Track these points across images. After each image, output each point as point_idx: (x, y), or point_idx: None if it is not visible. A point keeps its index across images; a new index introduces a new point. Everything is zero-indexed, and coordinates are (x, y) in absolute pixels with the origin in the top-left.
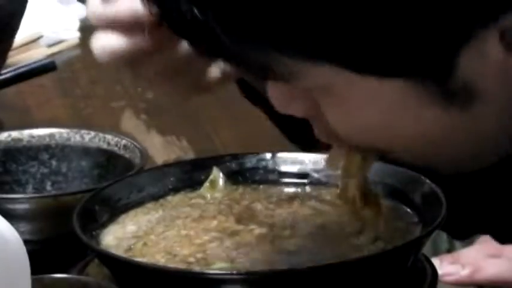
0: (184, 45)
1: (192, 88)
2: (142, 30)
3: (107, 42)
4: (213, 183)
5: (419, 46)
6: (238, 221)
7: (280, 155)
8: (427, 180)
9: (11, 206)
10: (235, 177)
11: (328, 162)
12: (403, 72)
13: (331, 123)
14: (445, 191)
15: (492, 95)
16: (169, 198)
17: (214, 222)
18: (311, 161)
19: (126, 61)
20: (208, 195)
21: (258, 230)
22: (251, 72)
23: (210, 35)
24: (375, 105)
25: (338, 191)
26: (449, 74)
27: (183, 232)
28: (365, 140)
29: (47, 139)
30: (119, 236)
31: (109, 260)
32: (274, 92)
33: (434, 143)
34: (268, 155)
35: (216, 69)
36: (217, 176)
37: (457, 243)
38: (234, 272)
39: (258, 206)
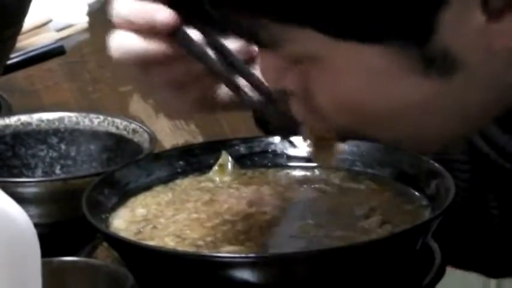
0: (196, 64)
1: (197, 105)
2: (160, 37)
3: (124, 40)
4: (222, 167)
5: (398, 7)
6: (250, 204)
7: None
8: (436, 164)
9: (20, 190)
10: (244, 161)
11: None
12: (383, 36)
13: (317, 97)
14: (476, 229)
15: (474, 65)
16: (179, 181)
17: (226, 206)
18: None
19: (140, 62)
20: (217, 179)
21: (270, 213)
22: (241, 37)
23: (199, 1)
24: (358, 72)
25: None
26: (428, 37)
27: (194, 215)
28: (348, 116)
29: (56, 123)
30: (128, 219)
31: (118, 243)
32: (265, 65)
33: (417, 114)
34: (277, 139)
35: (225, 93)
36: (226, 159)
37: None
38: (242, 255)
39: (267, 190)
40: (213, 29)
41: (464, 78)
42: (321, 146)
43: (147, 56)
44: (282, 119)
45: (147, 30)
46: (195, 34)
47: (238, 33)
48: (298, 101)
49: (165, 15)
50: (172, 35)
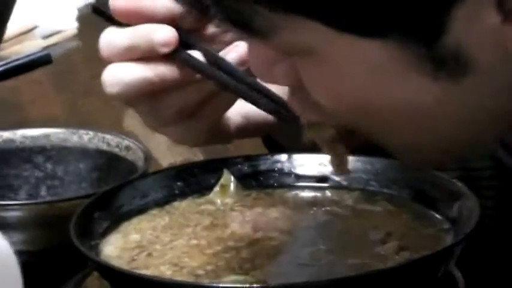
0: (206, 84)
1: (206, 134)
2: (161, 60)
3: (122, 71)
4: (224, 188)
5: (407, 1)
6: (256, 229)
7: (297, 156)
8: (458, 183)
9: (2, 214)
10: (248, 181)
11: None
12: (388, 31)
13: (312, 92)
14: (504, 254)
15: (486, 68)
16: (176, 204)
17: (228, 231)
18: None
19: (145, 94)
20: (219, 201)
21: (277, 239)
22: (232, 26)
23: None
24: (357, 69)
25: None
26: (438, 36)
27: (193, 242)
28: (346, 112)
29: (42, 140)
30: (120, 246)
31: (110, 272)
32: (254, 56)
33: (422, 118)
34: (284, 157)
35: (234, 120)
36: (228, 179)
37: None
38: (247, 285)
39: (274, 213)
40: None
41: (475, 82)
42: (331, 148)
43: (152, 84)
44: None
45: (147, 54)
46: (195, 54)
47: (230, 20)
48: (294, 96)
49: (163, 34)
50: (172, 56)
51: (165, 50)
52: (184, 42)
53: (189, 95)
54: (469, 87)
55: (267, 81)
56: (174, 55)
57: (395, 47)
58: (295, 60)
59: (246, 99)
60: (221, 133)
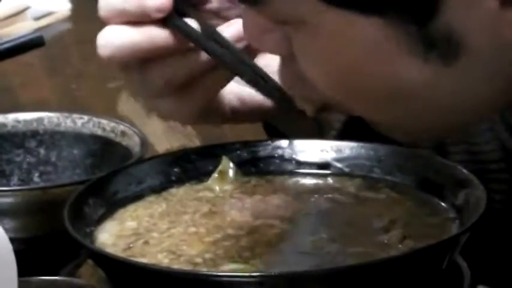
0: (200, 56)
1: (197, 112)
2: (155, 26)
3: (115, 34)
4: (222, 174)
5: None
6: (256, 216)
7: (297, 142)
8: (465, 170)
9: None
10: (247, 167)
11: None
12: (380, 7)
13: (302, 65)
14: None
15: (479, 53)
16: (173, 190)
17: (228, 218)
18: (333, 148)
19: (135, 59)
20: (217, 188)
21: (278, 227)
22: None
23: None
24: (348, 45)
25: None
26: (430, 16)
27: (192, 229)
28: (335, 88)
29: (34, 124)
30: (115, 234)
31: (104, 260)
32: (248, 23)
33: (411, 100)
34: (285, 143)
35: (229, 101)
36: (227, 166)
37: None
38: (246, 274)
39: (274, 200)
40: None
41: (467, 65)
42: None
43: (143, 49)
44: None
45: (140, 18)
46: (191, 23)
47: None
48: (284, 67)
49: None
50: (166, 23)
51: (158, 15)
52: (181, 11)
53: (181, 65)
54: (461, 71)
55: (259, 47)
56: (169, 22)
57: (388, 25)
58: (289, 31)
59: (239, 75)
60: (214, 113)
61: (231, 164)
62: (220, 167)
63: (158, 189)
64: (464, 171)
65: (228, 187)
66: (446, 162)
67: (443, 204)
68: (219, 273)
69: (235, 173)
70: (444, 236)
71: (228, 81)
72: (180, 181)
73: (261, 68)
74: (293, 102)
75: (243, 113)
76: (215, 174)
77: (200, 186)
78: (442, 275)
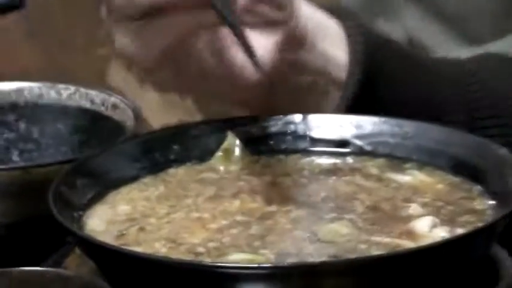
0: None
1: (201, 77)
2: None
3: None
4: (228, 153)
5: None
6: (268, 200)
7: (312, 117)
8: (505, 150)
9: None
10: (256, 145)
11: None
12: None
13: None
14: None
15: None
16: (172, 171)
17: (237, 203)
18: (353, 124)
19: (139, 13)
20: (222, 168)
21: (293, 212)
22: None
23: None
24: None
25: None
26: None
27: (194, 215)
28: None
29: (13, 96)
30: (107, 219)
31: (94, 249)
32: None
33: None
34: (298, 117)
35: (248, 69)
36: (233, 143)
37: None
38: (254, 265)
39: (286, 182)
40: None
41: None
42: None
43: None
44: None
45: None
46: None
47: None
48: None
49: None
50: None
51: None
52: None
53: (188, 22)
54: None
55: None
56: None
57: None
58: None
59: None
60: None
61: (237, 141)
62: (225, 145)
63: (155, 170)
64: (503, 150)
65: (234, 167)
66: (482, 140)
67: (479, 187)
68: (224, 264)
69: (242, 152)
70: (479, 223)
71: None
72: (179, 160)
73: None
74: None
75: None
76: (219, 153)
77: (202, 167)
78: (478, 266)
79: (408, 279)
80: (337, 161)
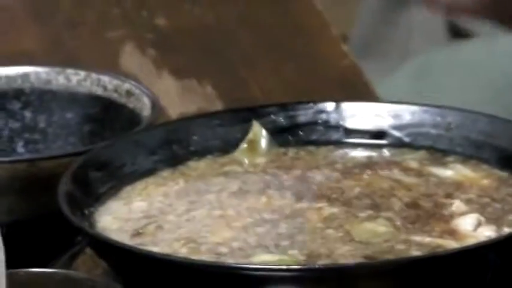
0: None
1: None
2: None
3: None
4: (253, 144)
5: None
6: (298, 197)
7: (346, 105)
8: None
9: None
10: (284, 135)
11: None
12: None
13: None
14: None
15: None
16: (192, 164)
17: (263, 199)
18: (390, 113)
19: None
20: (247, 161)
21: (328, 210)
22: None
23: None
24: None
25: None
26: None
27: (217, 212)
28: None
29: (19, 81)
30: (121, 216)
31: (107, 248)
32: None
33: None
34: (330, 106)
35: None
36: (259, 133)
37: None
38: (283, 267)
39: (317, 177)
40: None
41: None
42: None
43: None
44: None
45: None
46: None
47: None
48: None
49: None
50: None
51: None
52: None
53: None
54: None
55: None
56: None
57: None
58: None
59: None
60: None
61: (264, 132)
62: (250, 135)
63: (173, 162)
64: None
65: (260, 160)
66: None
67: None
68: (249, 266)
69: (269, 143)
70: None
71: None
72: (200, 152)
73: None
74: None
75: None
76: (244, 144)
77: (226, 159)
78: None
79: (450, 283)
80: (373, 153)
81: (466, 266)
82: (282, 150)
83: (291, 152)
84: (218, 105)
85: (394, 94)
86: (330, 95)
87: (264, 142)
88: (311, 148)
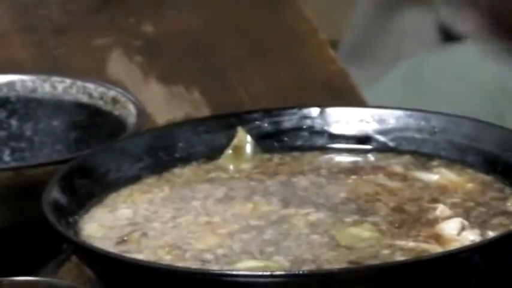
0: None
1: None
2: None
3: None
4: (238, 150)
5: None
6: (284, 203)
7: (331, 110)
8: None
9: None
10: (269, 141)
11: None
12: None
13: None
14: None
15: None
16: (178, 171)
17: (249, 205)
18: (374, 118)
19: None
20: (232, 167)
21: (314, 216)
22: None
23: None
24: None
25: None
26: None
27: (203, 219)
28: None
29: (4, 90)
30: (106, 224)
31: (92, 256)
32: None
33: None
34: (315, 111)
35: None
36: (244, 140)
37: None
38: (267, 273)
39: (302, 182)
40: None
41: None
42: None
43: None
44: None
45: None
46: None
47: None
48: None
49: None
50: None
51: None
52: None
53: None
54: None
55: None
56: None
57: None
58: None
59: None
60: None
61: (249, 138)
62: (235, 141)
63: (159, 169)
64: None
65: (245, 166)
66: None
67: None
68: (232, 273)
69: (254, 149)
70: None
71: None
72: (185, 159)
73: None
74: None
75: None
76: (229, 150)
77: (211, 165)
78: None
79: (435, 287)
80: (358, 158)
81: (450, 271)
82: (267, 156)
83: (276, 157)
84: (206, 111)
85: (385, 99)
86: (318, 99)
87: (249, 148)
88: (296, 154)
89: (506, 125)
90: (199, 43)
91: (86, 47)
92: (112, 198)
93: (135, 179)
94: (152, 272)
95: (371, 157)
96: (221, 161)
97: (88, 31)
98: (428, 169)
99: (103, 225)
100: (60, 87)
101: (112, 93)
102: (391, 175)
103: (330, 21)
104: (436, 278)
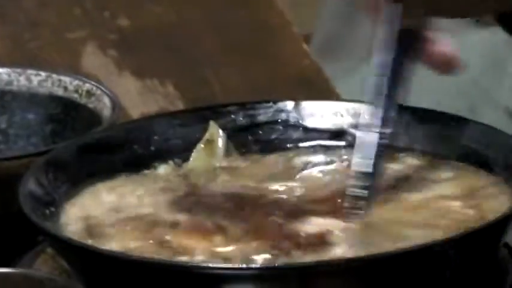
0: None
1: None
2: None
3: None
4: (210, 144)
5: None
6: (258, 195)
7: (306, 104)
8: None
9: None
10: (244, 135)
11: None
12: None
13: None
14: None
15: None
16: (154, 165)
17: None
18: (349, 112)
19: None
20: (205, 161)
21: (284, 208)
22: None
23: None
24: None
25: None
26: None
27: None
28: None
29: None
30: (82, 216)
31: (67, 248)
32: None
33: None
34: (290, 105)
35: None
36: (216, 134)
37: None
38: (241, 266)
39: (279, 176)
40: None
41: None
42: None
43: None
44: None
45: None
46: None
47: None
48: None
49: None
50: None
51: None
52: None
53: None
54: None
55: None
56: None
57: None
58: None
59: None
60: None
61: (221, 132)
62: (206, 136)
63: (134, 163)
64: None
65: (217, 161)
66: (491, 127)
67: (492, 177)
68: (208, 265)
69: (226, 143)
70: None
71: None
72: (160, 152)
73: None
74: None
75: None
76: (201, 145)
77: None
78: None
79: (409, 280)
80: (333, 153)
81: (425, 264)
82: (241, 150)
83: (250, 151)
84: (180, 105)
85: (358, 93)
86: (291, 93)
87: (221, 142)
88: (270, 147)
89: (478, 118)
90: (173, 37)
91: (60, 40)
92: (88, 190)
93: (110, 173)
94: (127, 263)
95: (344, 152)
96: (193, 155)
97: (63, 24)
98: (402, 162)
99: (79, 217)
100: (35, 80)
101: (87, 86)
102: None
103: (303, 15)
104: (411, 271)
